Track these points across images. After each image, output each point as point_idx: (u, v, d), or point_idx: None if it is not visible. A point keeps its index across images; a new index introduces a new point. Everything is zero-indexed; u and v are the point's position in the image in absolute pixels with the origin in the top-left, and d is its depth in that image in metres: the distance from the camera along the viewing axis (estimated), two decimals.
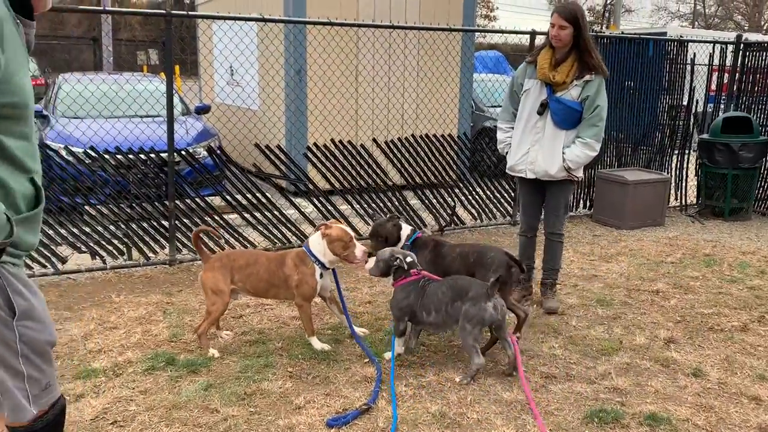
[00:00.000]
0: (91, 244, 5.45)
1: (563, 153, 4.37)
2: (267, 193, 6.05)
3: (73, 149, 5.63)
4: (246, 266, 3.81)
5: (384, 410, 3.22)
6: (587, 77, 4.25)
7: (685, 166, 8.30)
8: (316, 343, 3.90)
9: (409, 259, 3.69)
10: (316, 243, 3.80)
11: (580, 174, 4.48)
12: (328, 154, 6.25)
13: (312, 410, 3.20)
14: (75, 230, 5.39)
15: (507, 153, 4.65)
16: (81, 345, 3.98)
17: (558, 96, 4.31)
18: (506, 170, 4.71)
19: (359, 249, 3.80)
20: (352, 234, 3.86)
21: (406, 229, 4.23)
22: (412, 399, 3.34)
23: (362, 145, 6.46)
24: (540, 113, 4.37)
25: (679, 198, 8.31)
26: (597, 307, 4.78)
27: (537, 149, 4.43)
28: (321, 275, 3.81)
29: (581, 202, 7.88)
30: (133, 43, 31.67)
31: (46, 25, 35.41)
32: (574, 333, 4.27)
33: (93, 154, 5.47)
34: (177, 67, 17.53)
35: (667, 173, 8.11)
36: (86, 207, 5.51)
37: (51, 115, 7.89)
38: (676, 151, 8.32)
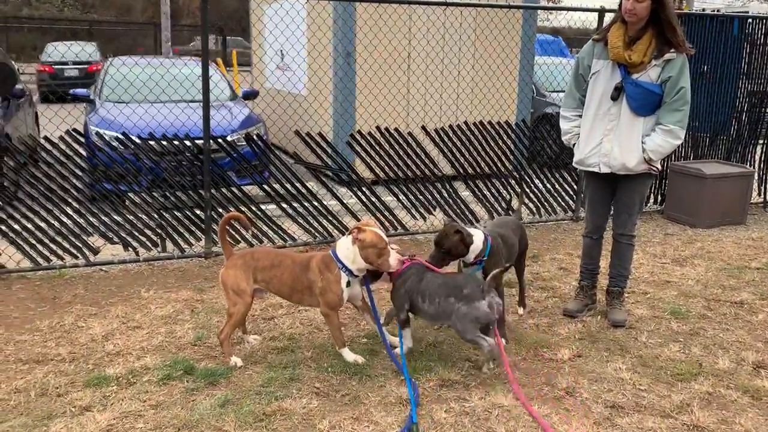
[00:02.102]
0: (124, 235, 5.21)
1: (643, 143, 3.79)
2: (308, 183, 5.69)
3: (110, 134, 5.41)
4: (270, 267, 3.44)
5: None
6: (668, 55, 3.65)
7: None
8: (348, 355, 3.50)
9: None
10: (345, 248, 3.37)
11: (659, 166, 3.89)
12: (373, 143, 5.82)
13: None
14: (107, 219, 5.16)
15: (574, 145, 4.09)
16: (100, 346, 3.72)
17: (634, 78, 3.72)
18: (573, 164, 4.14)
19: (394, 257, 3.34)
20: (387, 239, 3.39)
21: (478, 239, 3.55)
22: (452, 429, 2.90)
23: (410, 133, 6.00)
24: (614, 98, 3.80)
25: (763, 194, 7.49)
26: (671, 320, 4.19)
27: (612, 139, 3.87)
28: (348, 283, 3.39)
29: (651, 196, 7.18)
30: (193, 28, 32.05)
31: (113, 11, 36.35)
32: (645, 352, 3.72)
33: (124, 140, 5.21)
34: (234, 53, 17.40)
35: (750, 166, 7.30)
36: (130, 194, 5.30)
37: (97, 99, 7.76)
38: (761, 142, 7.50)
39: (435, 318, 3.42)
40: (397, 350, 3.52)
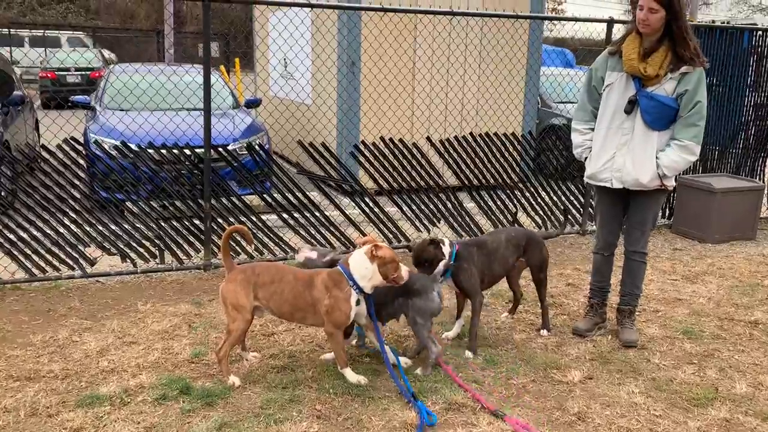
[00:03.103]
0: (122, 246, 5.09)
1: (657, 158, 3.67)
2: (310, 194, 5.57)
3: (109, 142, 5.31)
4: (270, 283, 3.31)
5: None
6: (684, 69, 3.54)
7: None
8: (351, 376, 3.37)
9: None
10: (361, 265, 3.24)
11: (673, 182, 3.77)
12: (377, 153, 5.71)
13: None
14: (104, 230, 5.04)
15: (586, 159, 3.97)
16: (94, 362, 3.59)
17: (649, 91, 3.61)
18: (585, 179, 4.02)
19: (404, 269, 3.28)
20: None
21: (446, 247, 3.69)
22: None
23: (415, 144, 5.89)
24: (628, 112, 3.68)
25: None
26: (684, 340, 4.06)
27: (625, 153, 3.74)
28: (358, 302, 3.26)
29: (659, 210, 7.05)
30: (198, 36, 32.06)
31: (117, 19, 36.38)
32: (658, 374, 3.58)
33: (122, 148, 5.10)
34: (237, 60, 17.33)
35: (760, 180, 7.18)
36: (127, 203, 5.19)
37: (98, 106, 7.67)
38: None
39: (392, 315, 3.54)
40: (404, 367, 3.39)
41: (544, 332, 4.12)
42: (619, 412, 3.17)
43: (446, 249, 3.66)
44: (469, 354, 3.73)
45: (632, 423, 3.07)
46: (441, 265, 3.63)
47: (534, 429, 2.97)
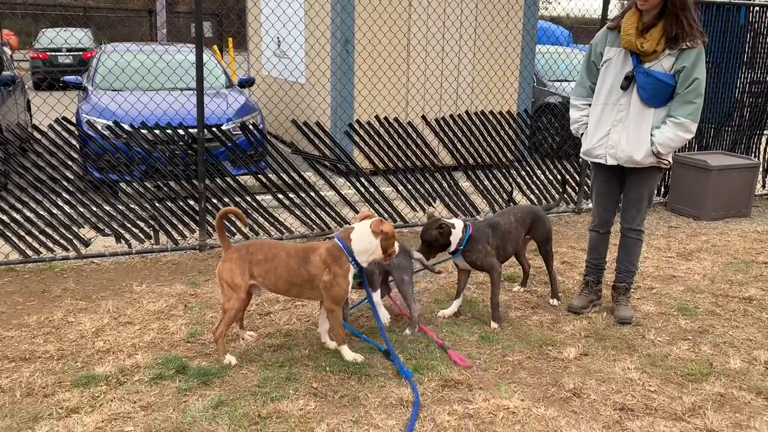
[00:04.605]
0: (116, 226, 5.06)
1: (651, 135, 3.65)
2: (305, 174, 5.54)
3: (101, 122, 5.26)
4: (264, 261, 3.29)
5: None
6: (683, 45, 3.50)
7: None
8: (348, 354, 3.38)
9: None
10: (364, 240, 3.24)
11: (670, 159, 3.76)
12: (372, 132, 5.67)
13: None
14: (98, 210, 5.01)
15: (582, 135, 3.95)
16: (90, 343, 3.58)
17: (646, 67, 3.57)
18: (580, 154, 4.00)
19: (397, 245, 3.34)
20: None
21: (457, 228, 3.75)
22: None
23: (410, 123, 5.85)
24: (624, 88, 3.65)
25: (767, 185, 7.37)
26: (678, 316, 4.08)
27: (620, 130, 3.72)
28: (355, 276, 3.27)
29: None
30: (190, 15, 31.67)
31: None
32: (653, 350, 3.60)
33: (115, 128, 5.05)
34: (230, 40, 17.12)
35: (755, 157, 7.18)
36: (121, 184, 5.15)
37: (89, 86, 7.58)
38: (765, 133, 7.36)
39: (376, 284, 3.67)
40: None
41: (554, 301, 4.21)
42: (615, 388, 3.19)
43: (458, 229, 3.74)
44: (494, 324, 3.85)
45: (627, 398, 3.09)
46: (453, 244, 3.74)
47: (465, 361, 3.37)
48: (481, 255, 3.79)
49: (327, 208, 5.60)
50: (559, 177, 6.51)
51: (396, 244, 3.34)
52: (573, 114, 3.97)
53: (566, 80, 9.22)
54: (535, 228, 4.14)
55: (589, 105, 3.89)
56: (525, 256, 4.40)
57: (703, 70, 3.55)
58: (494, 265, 3.83)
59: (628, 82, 3.62)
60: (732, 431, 2.84)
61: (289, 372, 3.24)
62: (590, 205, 4.20)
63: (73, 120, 5.15)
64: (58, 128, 4.86)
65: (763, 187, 7.38)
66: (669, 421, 2.90)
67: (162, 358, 3.36)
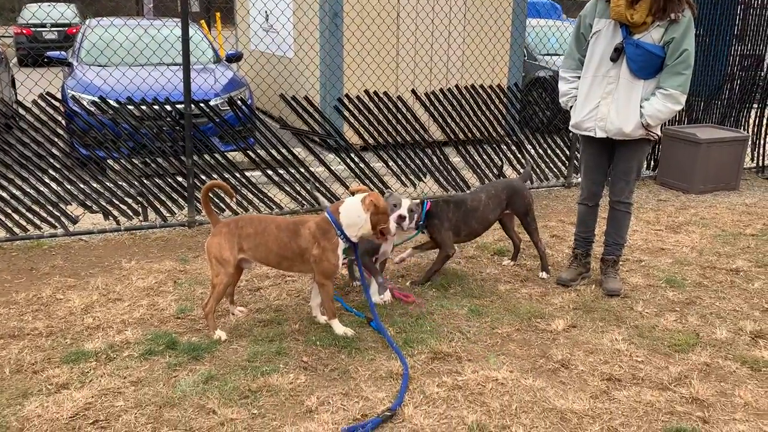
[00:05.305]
0: (104, 203, 5.03)
1: (641, 107, 3.63)
2: (294, 149, 5.50)
3: (87, 98, 5.19)
4: (254, 235, 3.28)
5: (410, 419, 2.69)
6: (673, 15, 3.47)
7: (765, 123, 7.34)
8: (338, 327, 3.39)
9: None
10: (353, 214, 3.21)
11: (659, 132, 3.75)
12: (362, 107, 5.63)
13: (325, 415, 2.70)
14: (86, 187, 4.96)
15: (571, 107, 3.93)
16: (79, 319, 3.57)
17: (636, 39, 3.55)
18: (570, 127, 3.99)
19: (393, 224, 3.31)
20: None
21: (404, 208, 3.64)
22: (444, 404, 2.80)
23: (399, 97, 5.80)
24: (614, 60, 3.62)
25: (756, 159, 7.40)
26: (666, 288, 4.11)
27: (609, 102, 3.71)
28: (345, 251, 3.26)
29: (644, 162, 7.05)
30: None
31: None
32: (641, 322, 3.63)
33: (101, 104, 4.98)
34: (218, 14, 16.86)
35: (744, 131, 7.19)
36: (108, 161, 5.09)
37: (75, 62, 7.46)
38: (755, 106, 7.37)
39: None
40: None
41: (543, 274, 4.24)
42: (602, 359, 3.22)
43: (404, 208, 3.63)
44: (414, 287, 4.00)
45: (614, 369, 3.12)
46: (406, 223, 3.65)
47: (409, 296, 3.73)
48: (436, 230, 3.91)
49: (317, 184, 5.58)
50: (549, 151, 6.51)
51: (392, 224, 3.32)
52: (562, 87, 3.95)
53: (557, 54, 9.16)
54: (513, 202, 4.16)
55: (578, 78, 3.86)
56: (514, 230, 4.41)
57: (693, 41, 3.53)
58: (445, 242, 3.93)
59: (617, 54, 3.59)
60: (717, 399, 2.88)
61: (279, 346, 3.25)
62: (579, 179, 4.19)
63: (59, 96, 5.07)
64: (42, 104, 4.79)
65: (752, 160, 7.40)
66: (655, 391, 2.94)
67: (152, 334, 3.36)
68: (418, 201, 3.82)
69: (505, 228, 4.36)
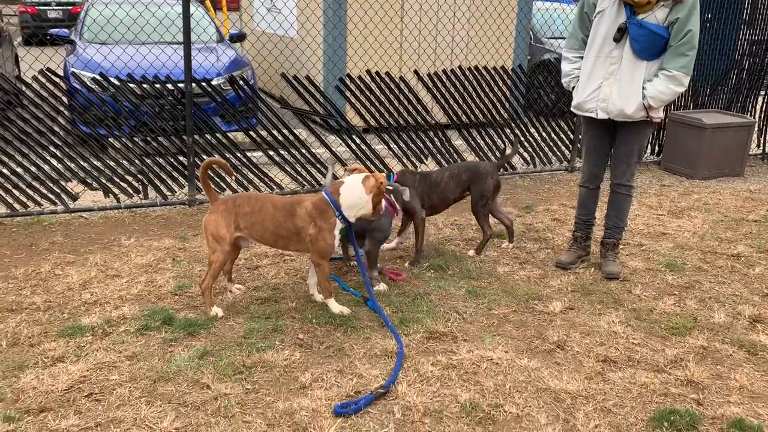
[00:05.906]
0: (104, 181, 5.02)
1: (643, 88, 3.59)
2: (296, 130, 5.47)
3: (88, 75, 5.16)
4: (251, 213, 3.27)
5: (403, 396, 2.69)
6: None
7: None
8: (334, 306, 3.39)
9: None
10: (354, 194, 3.19)
11: (660, 114, 3.70)
12: (364, 88, 5.59)
13: (319, 391, 2.70)
14: (86, 165, 4.96)
15: (573, 88, 3.88)
16: (77, 295, 3.58)
17: (640, 19, 3.49)
18: (571, 108, 3.95)
19: (384, 202, 3.28)
20: None
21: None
22: (438, 382, 2.80)
23: (402, 78, 5.75)
24: (617, 40, 3.57)
25: (762, 145, 7.33)
26: (666, 272, 4.09)
27: (611, 83, 3.66)
28: (341, 231, 3.25)
29: (649, 147, 7.01)
30: None
31: None
32: (639, 305, 3.62)
33: (101, 80, 4.96)
34: None
35: (751, 116, 7.11)
36: (110, 139, 5.08)
37: (77, 40, 7.43)
38: (762, 93, 7.28)
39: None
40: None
41: (471, 252, 4.29)
42: (598, 341, 3.21)
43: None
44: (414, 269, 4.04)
45: (611, 351, 3.12)
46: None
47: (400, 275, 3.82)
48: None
49: (318, 165, 5.55)
50: (553, 135, 6.46)
51: (384, 202, 3.33)
52: (564, 67, 3.90)
53: (563, 38, 9.06)
54: (473, 184, 4.18)
55: (581, 58, 3.81)
56: (500, 211, 4.39)
57: (697, 22, 3.48)
58: (414, 208, 4.00)
59: (620, 34, 3.54)
60: (712, 382, 2.87)
61: (275, 324, 3.25)
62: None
63: (60, 73, 5.05)
64: (42, 79, 4.77)
65: (758, 146, 7.34)
66: (650, 373, 2.93)
67: (149, 310, 3.37)
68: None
69: (493, 212, 4.30)
